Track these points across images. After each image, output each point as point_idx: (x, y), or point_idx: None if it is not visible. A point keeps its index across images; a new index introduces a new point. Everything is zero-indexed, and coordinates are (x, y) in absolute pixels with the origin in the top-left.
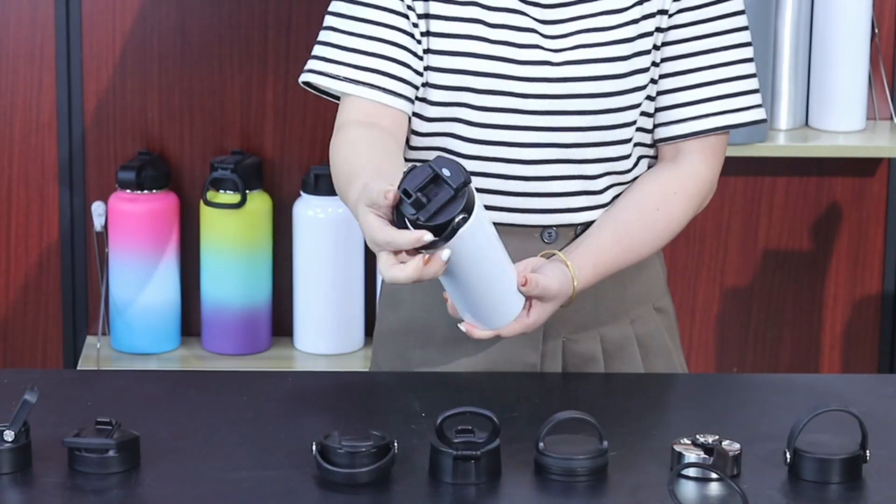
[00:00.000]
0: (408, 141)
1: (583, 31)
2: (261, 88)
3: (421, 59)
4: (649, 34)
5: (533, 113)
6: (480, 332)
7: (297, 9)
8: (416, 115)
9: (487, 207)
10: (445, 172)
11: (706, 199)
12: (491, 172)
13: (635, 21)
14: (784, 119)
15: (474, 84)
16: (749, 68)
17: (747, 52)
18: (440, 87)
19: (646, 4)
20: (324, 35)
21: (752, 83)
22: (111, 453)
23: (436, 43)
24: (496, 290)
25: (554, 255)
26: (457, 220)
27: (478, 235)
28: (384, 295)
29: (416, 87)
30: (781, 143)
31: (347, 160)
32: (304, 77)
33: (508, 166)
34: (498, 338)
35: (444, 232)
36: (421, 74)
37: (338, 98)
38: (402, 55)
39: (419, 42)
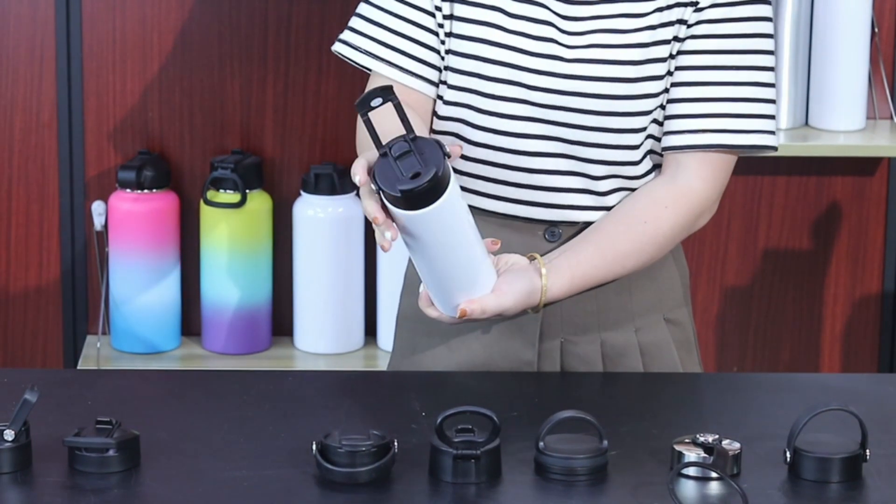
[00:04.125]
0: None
1: (599, 31)
2: (261, 88)
3: (443, 42)
4: (666, 42)
5: (540, 106)
6: (434, 312)
7: (297, 9)
8: (438, 97)
9: (490, 196)
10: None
11: (702, 217)
12: (495, 161)
13: (653, 27)
14: (784, 118)
15: (485, 71)
16: (764, 93)
17: (765, 77)
18: (456, 71)
19: (666, 12)
20: (360, 7)
21: (765, 108)
22: (111, 453)
23: (457, 27)
24: (458, 273)
25: (535, 259)
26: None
27: (438, 223)
28: (404, 280)
29: (440, 70)
30: (781, 143)
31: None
32: (334, 46)
33: (512, 156)
34: (491, 331)
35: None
36: (444, 58)
37: (368, 69)
38: (425, 36)
39: (441, 26)
